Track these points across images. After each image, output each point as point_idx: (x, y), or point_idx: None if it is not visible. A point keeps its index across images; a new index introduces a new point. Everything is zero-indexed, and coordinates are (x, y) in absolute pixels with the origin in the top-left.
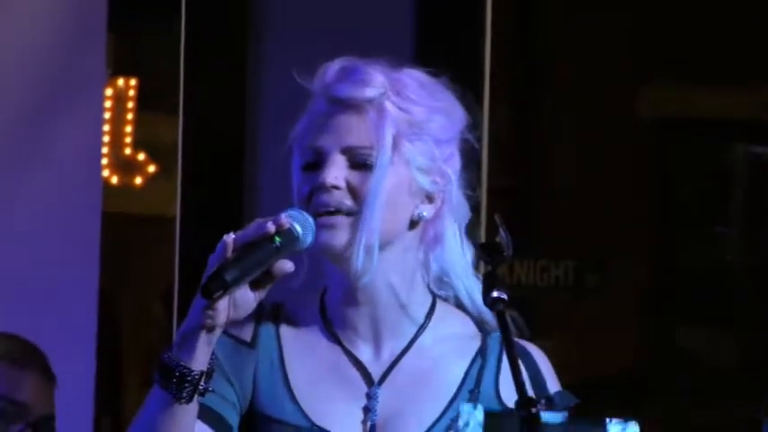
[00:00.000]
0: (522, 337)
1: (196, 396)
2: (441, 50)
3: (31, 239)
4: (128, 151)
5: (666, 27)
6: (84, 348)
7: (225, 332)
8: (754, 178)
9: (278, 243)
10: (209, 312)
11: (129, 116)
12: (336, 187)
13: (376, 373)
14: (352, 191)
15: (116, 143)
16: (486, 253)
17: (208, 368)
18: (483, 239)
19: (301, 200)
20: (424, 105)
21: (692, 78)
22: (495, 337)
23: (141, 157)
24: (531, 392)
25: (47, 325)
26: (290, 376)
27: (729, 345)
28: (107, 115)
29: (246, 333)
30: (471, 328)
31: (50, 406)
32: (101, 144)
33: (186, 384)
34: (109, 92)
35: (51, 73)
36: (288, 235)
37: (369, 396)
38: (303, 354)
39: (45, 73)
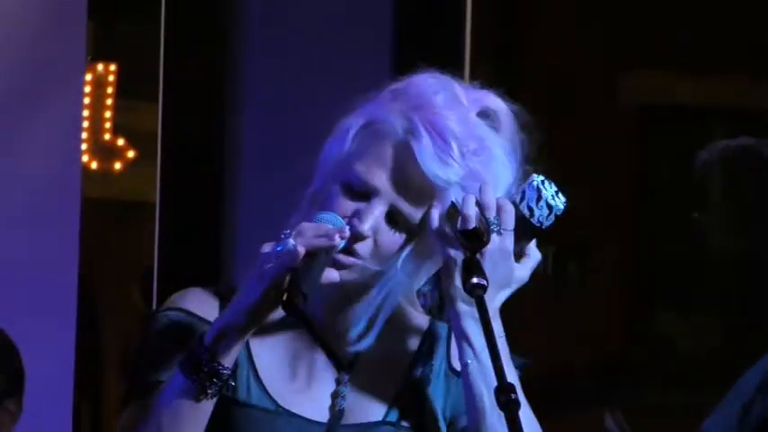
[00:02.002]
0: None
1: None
2: (420, 45)
3: (10, 224)
4: (107, 137)
5: (647, 14)
6: (64, 334)
7: (190, 313)
8: (733, 166)
9: (342, 245)
10: (256, 315)
11: (109, 101)
12: (364, 236)
13: (344, 358)
14: (375, 240)
15: (95, 128)
16: (466, 239)
17: (235, 366)
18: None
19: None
20: (501, 176)
21: (672, 65)
22: (442, 323)
23: (121, 142)
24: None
25: (25, 310)
26: (255, 360)
27: (707, 331)
28: (86, 100)
29: (213, 315)
30: (423, 317)
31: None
32: (80, 129)
33: (216, 380)
34: (88, 77)
35: (31, 58)
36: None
37: (338, 381)
38: (269, 337)
39: (25, 58)
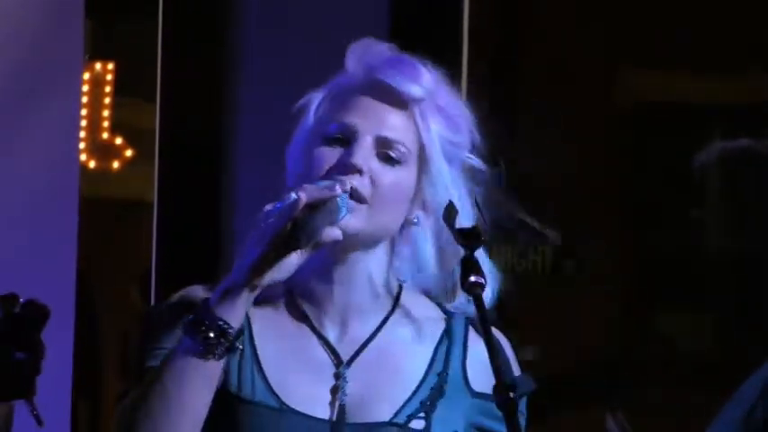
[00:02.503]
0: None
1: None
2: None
3: (8, 223)
4: (105, 135)
5: (646, 12)
6: (62, 333)
7: (194, 302)
8: (731, 167)
9: (343, 213)
10: (257, 271)
11: (107, 100)
12: (361, 172)
13: (344, 354)
14: (373, 181)
15: (93, 127)
16: (464, 238)
17: (240, 328)
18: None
19: (316, 172)
20: (458, 123)
21: (671, 64)
22: (459, 319)
23: (119, 141)
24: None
25: None
26: (260, 355)
27: (704, 330)
28: (84, 99)
29: None
30: (436, 311)
31: None
32: (78, 128)
33: (222, 340)
34: (86, 76)
35: (29, 57)
36: (338, 202)
37: (337, 376)
38: (272, 333)
39: (23, 57)
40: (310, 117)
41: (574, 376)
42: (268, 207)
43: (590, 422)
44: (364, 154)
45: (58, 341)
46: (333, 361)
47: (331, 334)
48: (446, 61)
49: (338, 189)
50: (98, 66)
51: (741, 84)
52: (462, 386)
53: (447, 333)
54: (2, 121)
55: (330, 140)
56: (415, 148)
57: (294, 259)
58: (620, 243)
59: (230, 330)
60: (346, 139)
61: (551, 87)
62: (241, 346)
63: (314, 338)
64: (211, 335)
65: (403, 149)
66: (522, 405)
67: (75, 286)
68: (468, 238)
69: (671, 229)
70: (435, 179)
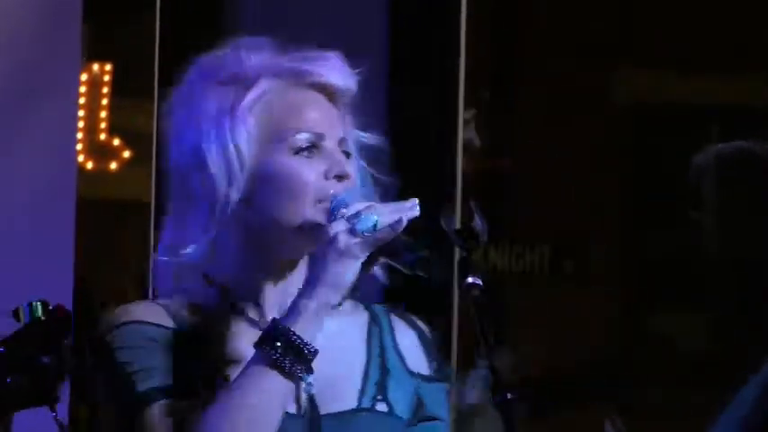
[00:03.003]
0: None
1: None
2: (416, 45)
3: (6, 224)
4: (103, 137)
5: (643, 12)
6: None
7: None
8: (728, 168)
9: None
10: (344, 289)
11: (104, 101)
12: (348, 176)
13: None
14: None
15: (91, 128)
16: (461, 239)
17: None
18: (458, 225)
19: (305, 184)
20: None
21: (667, 64)
22: (378, 307)
23: (116, 142)
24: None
25: None
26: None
27: (703, 330)
28: (82, 100)
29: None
30: (353, 303)
31: None
32: (76, 129)
33: (307, 363)
34: (84, 77)
35: (26, 58)
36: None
37: None
38: (216, 334)
39: (20, 58)
40: (246, 117)
41: (573, 376)
42: (339, 226)
43: (589, 422)
44: (343, 159)
45: None
46: None
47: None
48: (444, 60)
49: (417, 209)
50: (96, 67)
51: (741, 84)
52: (401, 367)
53: (373, 320)
54: (0, 121)
55: (300, 150)
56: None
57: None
58: (619, 243)
59: (315, 351)
60: (316, 147)
61: (551, 88)
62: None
63: (255, 331)
64: (300, 359)
65: (349, 142)
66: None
67: (73, 287)
68: (465, 239)
69: (670, 229)
70: (355, 165)
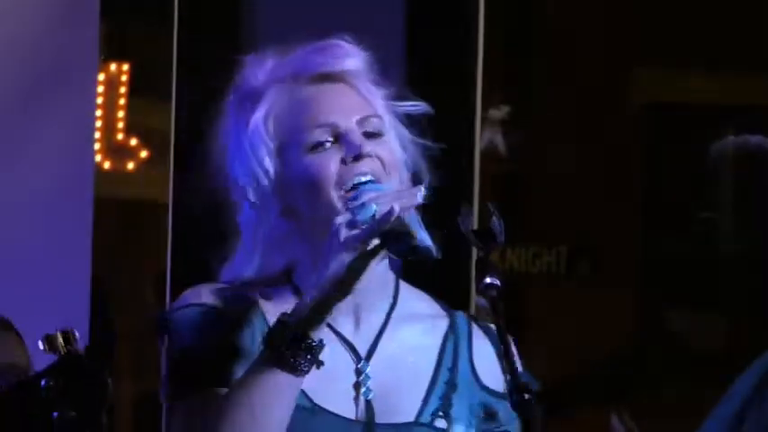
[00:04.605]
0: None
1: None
2: (432, 43)
3: (24, 224)
4: (120, 137)
5: (660, 11)
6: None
7: (208, 306)
8: (743, 164)
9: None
10: (347, 283)
11: (122, 101)
12: (370, 155)
13: (362, 349)
14: (380, 160)
15: (108, 128)
16: (479, 239)
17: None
18: (475, 226)
19: (326, 177)
20: (380, 76)
21: (684, 64)
22: (461, 315)
23: (134, 142)
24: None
25: (39, 311)
26: None
27: (719, 330)
28: (99, 100)
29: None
30: (436, 307)
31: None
32: (93, 129)
33: (310, 357)
34: (101, 77)
35: (44, 58)
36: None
37: (359, 372)
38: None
39: (38, 58)
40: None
41: (588, 376)
42: (341, 219)
43: (605, 422)
44: (362, 140)
45: None
46: (352, 357)
47: (346, 329)
48: (461, 60)
49: (420, 196)
50: (113, 67)
51: (755, 83)
52: (472, 380)
53: (451, 329)
54: (18, 121)
55: (315, 146)
56: (378, 114)
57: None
58: (636, 244)
59: (318, 346)
60: (333, 138)
61: (568, 87)
62: (322, 361)
63: (330, 335)
64: (300, 353)
65: (376, 120)
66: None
67: (89, 287)
68: (483, 240)
69: (686, 230)
70: (397, 137)
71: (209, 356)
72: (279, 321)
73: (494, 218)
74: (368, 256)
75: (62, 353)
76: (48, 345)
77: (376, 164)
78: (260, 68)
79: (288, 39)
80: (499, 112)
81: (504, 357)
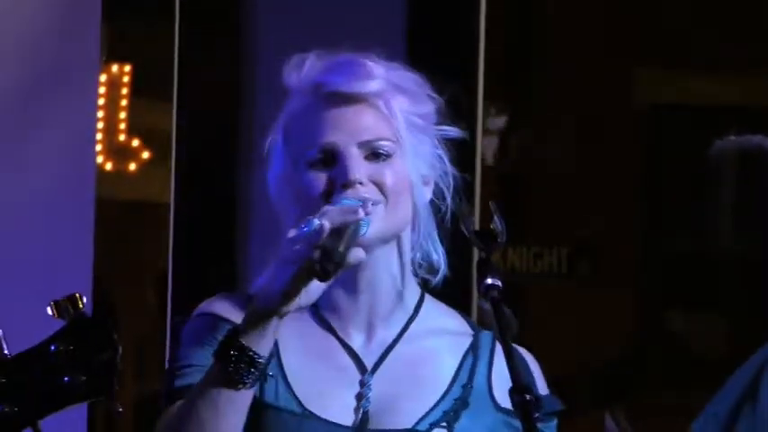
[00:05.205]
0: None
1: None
2: (433, 44)
3: (25, 225)
4: (122, 137)
5: (661, 12)
6: None
7: (223, 318)
8: (743, 164)
9: (365, 230)
10: (286, 298)
11: (124, 102)
12: (361, 183)
13: (368, 361)
14: (375, 184)
15: (110, 129)
16: (481, 240)
17: (270, 354)
18: (477, 226)
19: (315, 197)
20: (419, 96)
21: (684, 64)
22: (486, 334)
23: (135, 143)
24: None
25: (40, 311)
26: (283, 361)
27: (720, 331)
28: (101, 101)
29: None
30: (463, 324)
31: None
32: (95, 130)
33: (253, 370)
34: (103, 78)
35: (46, 59)
36: (360, 223)
37: (362, 383)
38: (296, 340)
39: (39, 59)
40: (280, 145)
41: (589, 376)
42: (292, 233)
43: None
44: (356, 165)
45: None
46: (357, 368)
47: (356, 341)
48: (463, 62)
49: (361, 212)
50: (115, 68)
51: (755, 83)
52: (487, 399)
53: (473, 346)
54: (19, 123)
55: (315, 163)
56: (395, 135)
57: (321, 284)
58: (636, 244)
59: (260, 360)
60: (331, 158)
61: (569, 88)
62: (271, 373)
63: (337, 345)
64: (242, 366)
65: (386, 143)
66: (553, 428)
67: (91, 288)
68: (484, 240)
69: (687, 231)
70: (424, 151)
71: (191, 367)
72: (227, 333)
73: (495, 218)
74: (298, 271)
75: (71, 317)
76: (56, 310)
77: (369, 189)
78: (296, 70)
79: (289, 38)
80: (499, 113)
81: (506, 358)
